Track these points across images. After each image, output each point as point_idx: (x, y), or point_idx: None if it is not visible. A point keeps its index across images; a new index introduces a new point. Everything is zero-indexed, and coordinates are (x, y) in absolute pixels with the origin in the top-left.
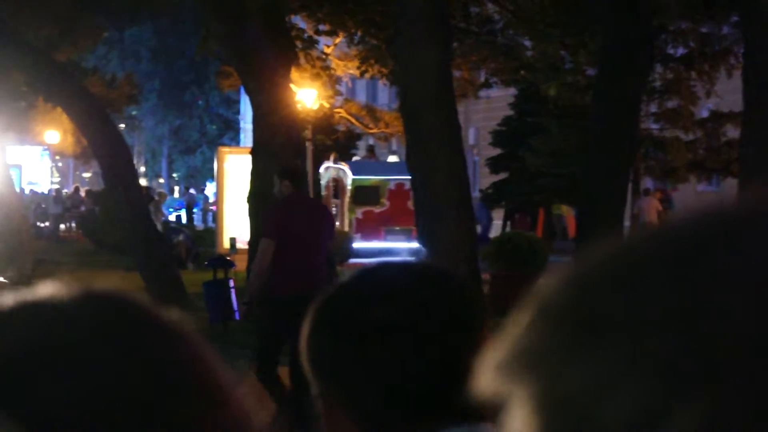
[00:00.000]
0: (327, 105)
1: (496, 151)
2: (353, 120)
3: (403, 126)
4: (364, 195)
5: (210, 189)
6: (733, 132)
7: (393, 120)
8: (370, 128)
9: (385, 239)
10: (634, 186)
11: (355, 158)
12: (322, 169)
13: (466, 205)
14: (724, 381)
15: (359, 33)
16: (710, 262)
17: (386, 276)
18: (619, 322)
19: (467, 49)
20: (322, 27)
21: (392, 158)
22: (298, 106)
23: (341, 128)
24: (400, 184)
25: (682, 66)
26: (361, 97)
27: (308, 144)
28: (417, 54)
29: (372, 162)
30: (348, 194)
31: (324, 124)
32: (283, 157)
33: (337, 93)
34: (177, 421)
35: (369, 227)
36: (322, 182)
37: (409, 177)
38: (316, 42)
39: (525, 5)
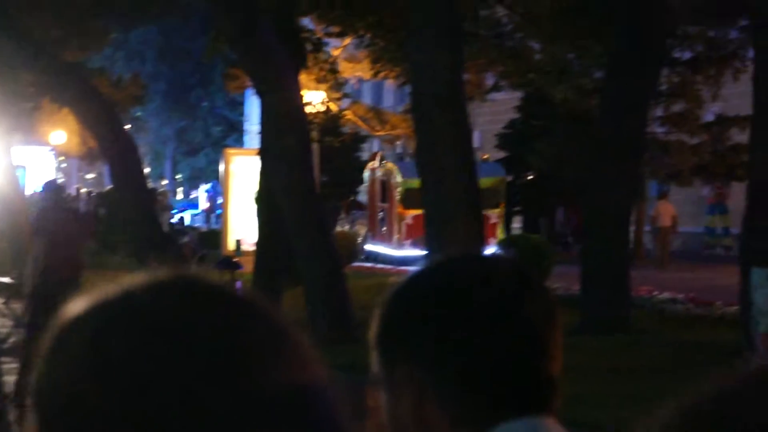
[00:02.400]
0: (334, 107)
1: (500, 154)
2: (360, 122)
3: (414, 128)
4: (413, 198)
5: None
6: (738, 136)
7: (399, 122)
8: (377, 130)
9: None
10: (640, 190)
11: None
12: (366, 171)
13: (475, 208)
14: None
15: (368, 35)
16: None
17: (476, 264)
18: None
19: (475, 52)
20: (331, 29)
21: None
22: (306, 108)
23: (348, 130)
24: None
25: (688, 70)
26: (367, 99)
27: (315, 146)
28: (429, 57)
29: None
30: (397, 197)
31: (330, 126)
32: (292, 158)
33: (345, 95)
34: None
35: (420, 233)
36: (365, 185)
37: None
38: (325, 44)
39: (534, 8)
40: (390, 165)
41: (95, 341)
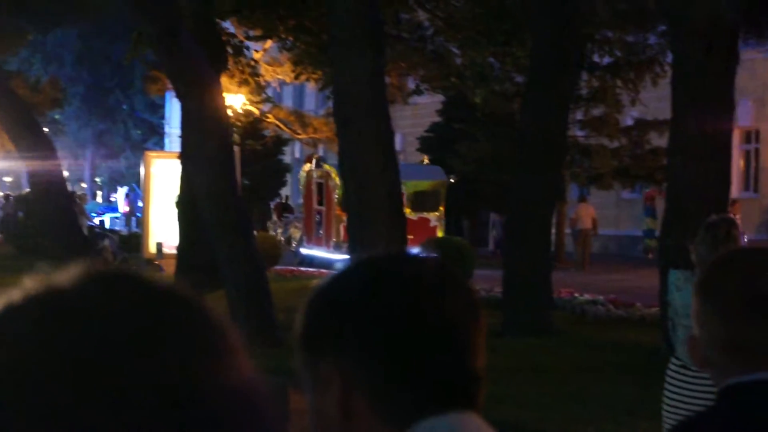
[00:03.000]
0: (255, 110)
1: (421, 157)
2: (281, 125)
3: (337, 132)
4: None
5: (121, 193)
6: (657, 140)
7: (321, 125)
8: (299, 134)
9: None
10: (560, 193)
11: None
12: (302, 173)
13: (398, 212)
14: None
15: (290, 39)
16: None
17: (404, 263)
18: None
19: (397, 56)
20: (252, 32)
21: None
22: (228, 112)
23: (269, 133)
24: None
25: (608, 74)
26: (289, 103)
27: (236, 149)
28: (351, 60)
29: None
30: (335, 200)
31: (252, 130)
32: (213, 162)
33: (267, 99)
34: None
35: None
36: (301, 187)
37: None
38: (247, 47)
39: (455, 12)
40: (328, 167)
41: (21, 335)
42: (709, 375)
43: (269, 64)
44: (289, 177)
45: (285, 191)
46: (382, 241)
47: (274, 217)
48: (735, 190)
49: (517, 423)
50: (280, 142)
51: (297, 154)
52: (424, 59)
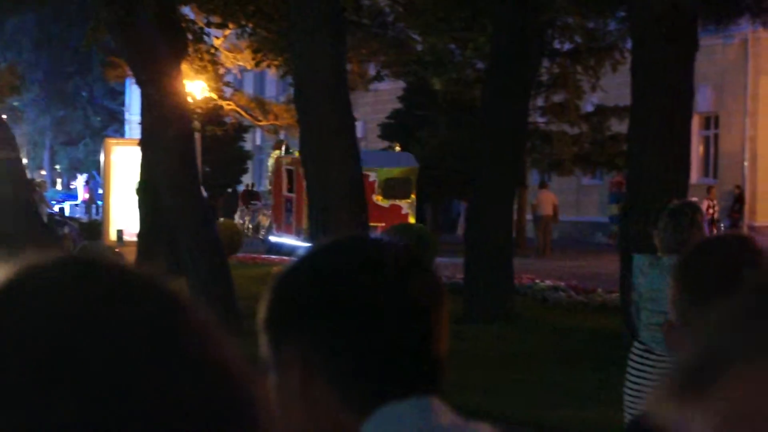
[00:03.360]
0: (216, 97)
1: (384, 144)
2: (242, 112)
3: (297, 118)
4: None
5: (80, 180)
6: (617, 126)
7: (282, 112)
8: (259, 120)
9: None
10: (521, 179)
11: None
12: (270, 160)
13: (360, 198)
14: None
15: (250, 25)
16: None
17: (365, 248)
18: None
19: (357, 42)
20: (212, 19)
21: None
22: (188, 98)
23: (230, 120)
24: (365, 175)
25: (568, 60)
26: (249, 89)
27: (197, 136)
28: (311, 46)
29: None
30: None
31: (213, 116)
32: (174, 149)
33: (227, 85)
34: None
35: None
36: (269, 174)
37: (372, 167)
38: (207, 34)
39: None
40: (298, 154)
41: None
42: None
43: (230, 51)
44: (250, 164)
45: (246, 178)
46: (344, 228)
47: (240, 204)
48: (694, 176)
49: (479, 409)
50: (241, 129)
51: (258, 141)
52: (384, 45)
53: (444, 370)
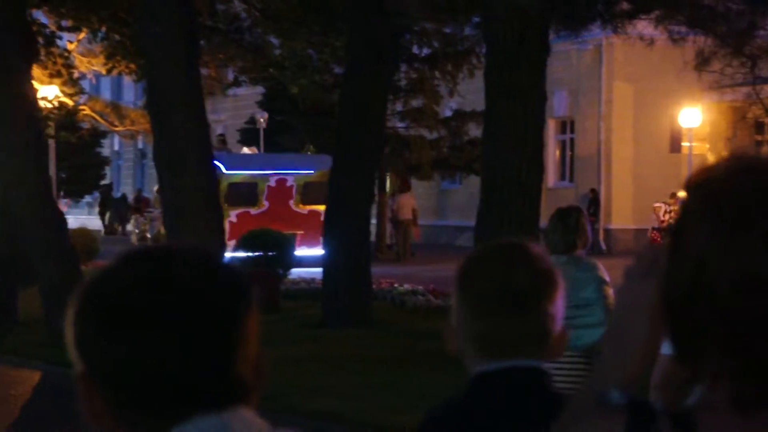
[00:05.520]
0: (70, 102)
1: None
2: (98, 117)
3: (151, 123)
4: (238, 194)
5: None
6: (475, 130)
7: (139, 117)
8: (116, 126)
9: None
10: (381, 184)
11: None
12: None
13: (214, 203)
14: None
15: (104, 29)
16: None
17: (149, 262)
18: None
19: (215, 47)
20: (64, 23)
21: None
22: (41, 104)
23: (86, 126)
24: (282, 180)
25: (426, 66)
26: (107, 95)
27: (51, 142)
28: (164, 52)
29: (253, 155)
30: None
31: (67, 122)
32: (25, 156)
33: (80, 91)
34: None
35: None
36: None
37: (288, 172)
38: (59, 38)
39: (272, 3)
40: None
41: None
42: (465, 364)
43: (83, 55)
44: (108, 170)
45: (105, 183)
46: (199, 234)
47: (131, 213)
48: (551, 180)
49: (334, 413)
50: (97, 135)
51: (117, 147)
52: (242, 50)
53: (255, 378)
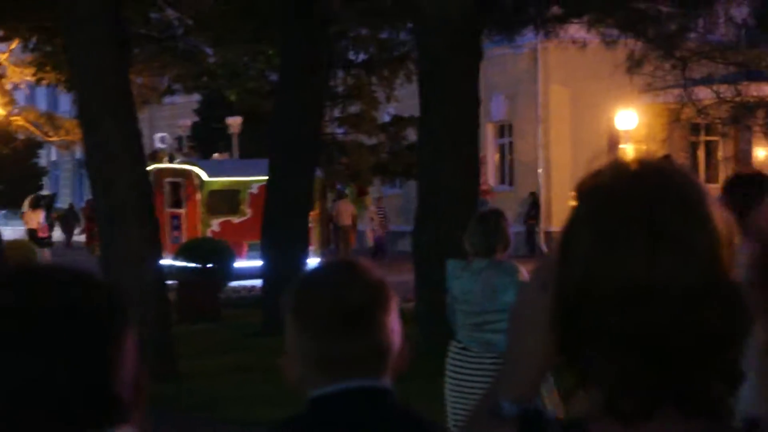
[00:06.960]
0: (3, 113)
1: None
2: (32, 128)
3: (82, 133)
4: (221, 201)
5: None
6: (413, 136)
7: (74, 127)
8: (50, 136)
9: (248, 257)
10: (322, 191)
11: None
12: (151, 173)
13: (149, 212)
14: None
15: (34, 39)
16: None
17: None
18: None
19: (148, 55)
20: None
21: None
22: None
23: (21, 136)
24: (264, 187)
25: (363, 71)
26: (42, 105)
27: None
28: (91, 59)
29: (235, 161)
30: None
31: (1, 133)
32: None
33: (12, 101)
34: None
35: (230, 239)
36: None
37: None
38: None
39: (204, 11)
40: (188, 165)
41: None
42: (305, 390)
43: (16, 65)
44: (46, 180)
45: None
46: (132, 242)
47: (88, 223)
48: (491, 184)
49: (271, 421)
50: (33, 146)
51: (54, 157)
52: (176, 58)
53: (135, 396)
